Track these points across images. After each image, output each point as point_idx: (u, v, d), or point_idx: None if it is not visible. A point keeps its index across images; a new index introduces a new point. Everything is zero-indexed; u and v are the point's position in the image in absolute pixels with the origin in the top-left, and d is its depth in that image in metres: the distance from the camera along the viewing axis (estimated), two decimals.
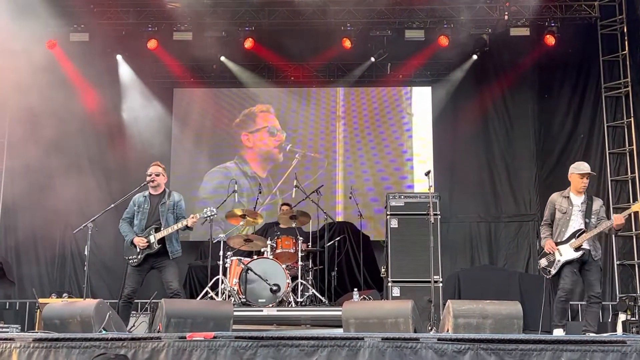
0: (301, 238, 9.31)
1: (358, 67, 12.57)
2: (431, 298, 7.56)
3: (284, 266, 8.73)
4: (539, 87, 12.30)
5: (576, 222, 7.17)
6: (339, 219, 11.87)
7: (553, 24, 11.49)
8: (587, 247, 7.09)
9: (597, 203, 7.26)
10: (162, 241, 7.35)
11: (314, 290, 9.10)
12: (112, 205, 7.87)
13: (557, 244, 7.17)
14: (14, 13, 10.24)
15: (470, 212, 12.16)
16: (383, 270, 9.33)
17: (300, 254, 9.14)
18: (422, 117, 12.59)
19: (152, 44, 11.80)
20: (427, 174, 8.09)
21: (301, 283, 9.02)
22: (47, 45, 11.41)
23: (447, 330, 5.68)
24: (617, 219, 6.95)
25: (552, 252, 7.16)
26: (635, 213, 8.47)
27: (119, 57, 12.36)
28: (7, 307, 11.15)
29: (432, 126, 12.50)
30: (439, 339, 4.75)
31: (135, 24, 11.75)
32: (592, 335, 5.86)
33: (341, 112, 12.80)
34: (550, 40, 11.48)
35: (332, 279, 9.84)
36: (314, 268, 9.73)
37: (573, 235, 7.13)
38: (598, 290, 7.05)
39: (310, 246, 9.74)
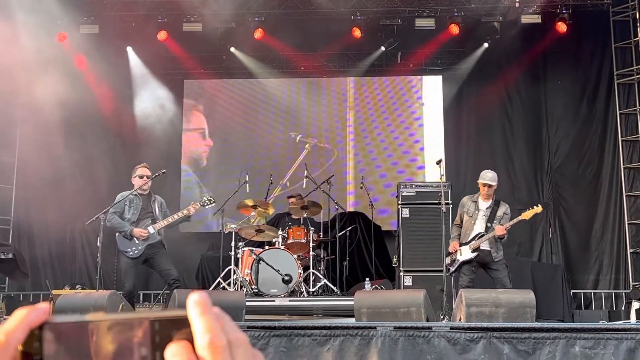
0: (312, 228, 9.31)
1: (368, 57, 12.49)
2: (443, 287, 7.56)
3: (295, 256, 8.73)
4: (551, 75, 12.21)
5: (479, 225, 7.79)
6: (350, 209, 11.86)
7: (564, 11, 11.37)
8: (487, 249, 7.70)
9: (502, 209, 7.85)
10: (161, 232, 7.71)
11: (325, 280, 9.10)
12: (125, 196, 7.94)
13: (462, 244, 7.78)
14: (24, 6, 10.27)
15: None
16: (395, 259, 9.32)
17: (311, 244, 9.14)
18: (433, 106, 12.52)
19: (161, 35, 11.79)
20: (439, 162, 8.09)
21: (313, 273, 9.03)
22: (57, 38, 11.43)
23: (460, 320, 5.67)
24: (499, 230, 7.59)
25: (454, 252, 7.75)
26: None
27: (129, 48, 12.36)
28: (21, 299, 11.24)
29: (443, 115, 12.43)
30: (451, 328, 4.74)
31: (144, 16, 11.73)
32: (606, 324, 5.84)
33: (351, 102, 12.76)
34: (562, 27, 11.37)
35: (343, 269, 9.83)
36: (326, 258, 9.73)
37: (474, 238, 7.72)
38: (508, 286, 7.53)
39: (321, 236, 9.73)
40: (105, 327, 0.59)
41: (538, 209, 7.78)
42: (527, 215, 7.73)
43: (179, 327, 0.59)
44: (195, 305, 0.60)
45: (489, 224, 7.73)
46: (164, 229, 7.80)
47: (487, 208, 7.81)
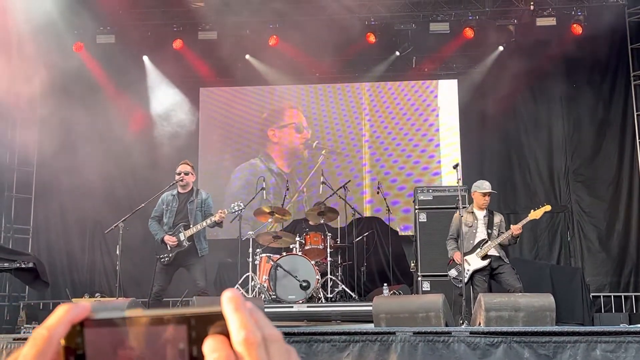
0: (329, 234, 9.32)
1: (383, 62, 12.50)
2: (462, 292, 7.52)
3: (313, 262, 8.74)
4: (567, 77, 12.14)
5: (481, 233, 7.78)
6: (367, 214, 11.85)
7: (580, 13, 11.32)
8: (496, 254, 7.67)
9: (498, 217, 7.91)
10: (191, 239, 7.46)
11: (343, 286, 9.10)
12: (142, 205, 7.95)
13: (466, 254, 7.66)
14: (42, 18, 10.37)
15: (500, 204, 12.04)
16: (412, 264, 9.30)
17: (329, 250, 9.14)
18: (448, 111, 12.50)
19: (177, 44, 11.87)
20: (456, 167, 8.07)
21: (331, 279, 9.03)
22: (74, 48, 11.56)
23: (479, 324, 5.65)
24: (515, 228, 7.55)
25: (461, 263, 7.59)
26: None
27: (145, 58, 12.44)
28: (41, 307, 11.32)
29: (459, 119, 12.40)
30: (471, 333, 4.73)
31: (160, 25, 11.83)
32: (627, 327, 5.80)
33: (367, 107, 12.76)
34: (577, 29, 11.32)
35: (361, 275, 9.84)
36: (343, 264, 9.74)
37: (478, 245, 7.70)
38: (518, 285, 7.46)
39: (339, 242, 9.74)
40: (143, 322, 0.62)
41: (547, 207, 7.76)
42: (537, 214, 7.71)
43: (214, 321, 0.61)
44: (229, 302, 0.61)
45: (489, 231, 7.73)
46: (207, 241, 7.73)
47: (484, 216, 7.84)
